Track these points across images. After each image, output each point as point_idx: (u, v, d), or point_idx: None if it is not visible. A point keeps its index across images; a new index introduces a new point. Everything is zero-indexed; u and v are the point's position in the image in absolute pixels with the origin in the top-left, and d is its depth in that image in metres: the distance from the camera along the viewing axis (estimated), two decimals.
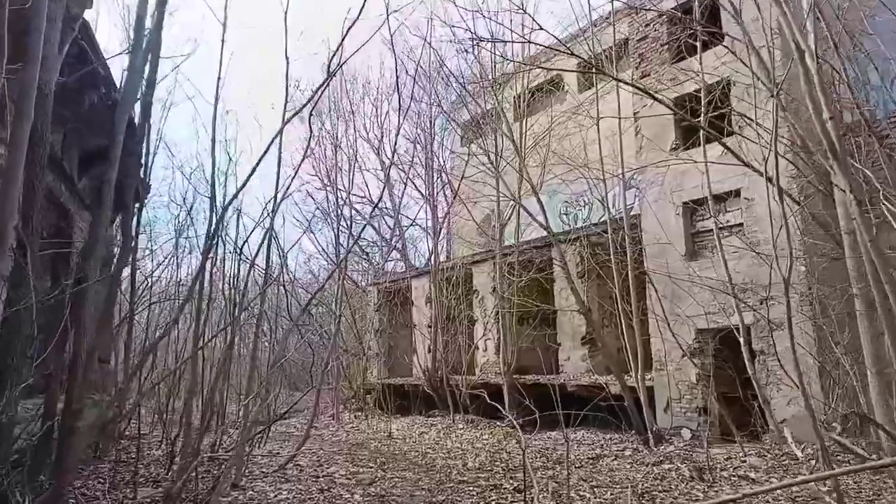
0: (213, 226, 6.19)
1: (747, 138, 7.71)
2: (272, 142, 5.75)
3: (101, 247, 4.93)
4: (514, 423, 7.25)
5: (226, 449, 8.81)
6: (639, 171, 11.92)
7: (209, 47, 8.51)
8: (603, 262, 12.14)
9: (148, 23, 6.10)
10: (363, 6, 5.58)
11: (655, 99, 8.41)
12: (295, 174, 6.65)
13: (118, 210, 5.33)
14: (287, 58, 7.90)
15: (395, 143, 17.46)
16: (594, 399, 10.45)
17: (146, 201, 10.77)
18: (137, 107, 7.09)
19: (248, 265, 7.74)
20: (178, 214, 13.48)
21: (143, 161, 9.89)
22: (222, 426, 9.83)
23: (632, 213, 12.11)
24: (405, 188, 21.59)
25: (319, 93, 6.14)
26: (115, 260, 9.82)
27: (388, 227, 22.78)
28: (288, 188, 6.46)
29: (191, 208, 13.06)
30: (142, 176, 10.13)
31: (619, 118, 10.98)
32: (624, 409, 10.97)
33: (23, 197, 4.47)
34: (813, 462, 7.18)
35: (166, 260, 13.24)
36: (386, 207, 21.91)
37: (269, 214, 6.95)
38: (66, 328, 4.95)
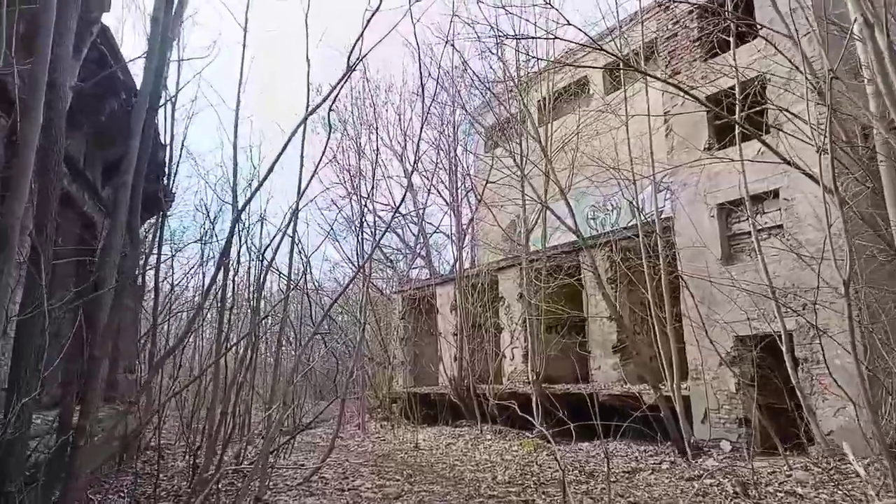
0: (230, 230, 6.01)
1: (789, 133, 7.31)
2: (288, 140, 5.58)
3: (115, 253, 4.76)
4: (547, 434, 6.92)
5: (250, 460, 8.63)
6: (671, 172, 11.52)
7: (230, 52, 8.40)
8: (634, 266, 11.75)
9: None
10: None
11: (689, 96, 8.06)
12: (314, 174, 6.45)
13: (132, 216, 5.17)
14: (308, 61, 7.76)
15: (417, 149, 17.21)
16: (627, 409, 10.06)
17: (169, 210, 10.71)
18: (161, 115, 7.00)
19: (271, 272, 7.57)
20: (204, 223, 13.45)
21: (165, 169, 9.86)
22: (247, 436, 9.67)
23: (664, 216, 11.71)
24: (429, 194, 21.43)
25: (339, 87, 5.95)
26: (137, 268, 9.75)
27: (412, 233, 22.63)
28: (305, 188, 6.24)
29: (215, 217, 13.04)
30: (165, 184, 10.09)
31: (649, 116, 10.61)
32: (659, 419, 10.54)
33: (37, 204, 4.33)
34: (880, 481, 6.64)
35: (192, 269, 13.23)
36: (410, 214, 21.76)
37: (291, 216, 6.76)
38: (83, 337, 4.79)
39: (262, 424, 9.53)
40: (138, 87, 7.40)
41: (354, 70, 5.88)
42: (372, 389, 19.50)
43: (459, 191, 18.81)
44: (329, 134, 6.53)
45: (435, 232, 22.59)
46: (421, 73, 28.29)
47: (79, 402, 4.55)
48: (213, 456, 7.14)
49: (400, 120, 21.43)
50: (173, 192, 10.63)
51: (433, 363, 17.89)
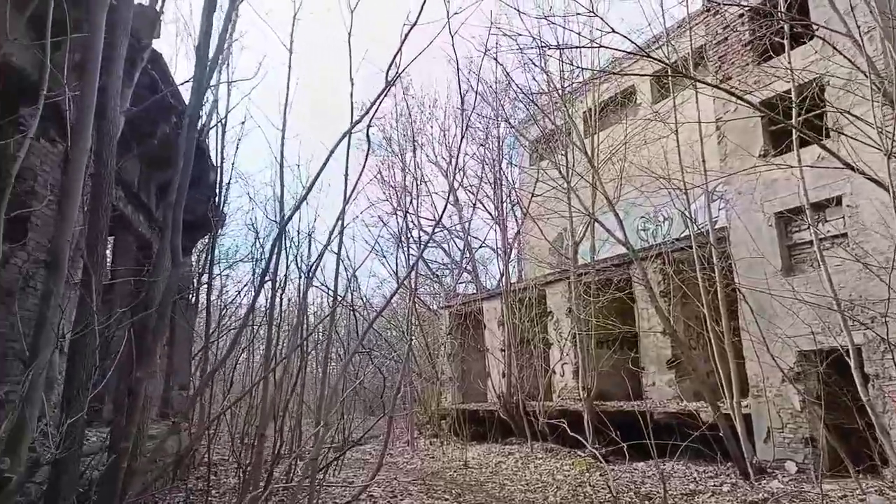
0: (271, 247, 6.08)
1: (852, 137, 6.92)
2: (328, 158, 5.61)
3: (164, 274, 4.86)
4: (597, 454, 6.68)
5: (300, 477, 8.64)
6: (725, 181, 11.12)
7: (276, 73, 8.57)
8: (688, 279, 11.34)
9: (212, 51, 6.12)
10: (421, 9, 5.37)
11: (742, 101, 7.73)
12: (353, 189, 6.45)
13: (174, 237, 5.27)
14: (352, 80, 7.84)
15: (457, 163, 17.16)
16: (683, 427, 9.66)
17: (221, 230, 10.99)
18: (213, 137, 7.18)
19: (317, 288, 7.63)
20: (254, 242, 13.75)
21: (216, 190, 10.12)
22: (296, 452, 9.72)
23: (718, 226, 11.28)
24: (474, 209, 21.38)
25: (377, 104, 5.97)
26: (176, 289, 10.00)
27: (458, 248, 22.60)
28: (347, 200, 6.24)
29: (265, 236, 13.28)
30: (216, 205, 10.36)
31: (700, 123, 10.28)
32: (718, 439, 10.07)
33: (88, 226, 4.46)
34: None
35: (244, 287, 13.51)
36: (455, 228, 21.74)
37: (334, 232, 6.79)
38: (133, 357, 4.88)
39: (312, 441, 9.57)
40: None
41: (393, 86, 5.90)
42: (420, 405, 19.42)
43: (505, 204, 18.69)
44: (368, 151, 6.54)
45: (481, 246, 22.52)
46: (460, 87, 28.50)
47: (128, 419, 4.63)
48: (263, 472, 7.19)
49: (444, 135, 21.53)
50: (224, 212, 10.89)
51: (481, 379, 17.68)
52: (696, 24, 12.01)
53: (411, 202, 20.81)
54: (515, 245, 19.73)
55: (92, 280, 4.24)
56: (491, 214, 20.29)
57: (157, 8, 6.08)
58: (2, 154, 3.50)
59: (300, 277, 9.54)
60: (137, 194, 8.24)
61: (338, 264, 7.57)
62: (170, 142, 7.52)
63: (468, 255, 21.34)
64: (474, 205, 20.96)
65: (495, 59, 12.46)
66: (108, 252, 12.64)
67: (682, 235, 12.50)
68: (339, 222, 7.12)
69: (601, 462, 9.66)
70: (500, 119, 17.73)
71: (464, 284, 22.33)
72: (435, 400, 19.21)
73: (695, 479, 10.07)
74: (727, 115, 10.80)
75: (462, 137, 15.89)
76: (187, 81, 6.33)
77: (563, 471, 11.57)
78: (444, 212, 20.12)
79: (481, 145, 19.31)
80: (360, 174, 6.29)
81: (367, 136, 6.25)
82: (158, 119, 7.26)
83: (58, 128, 4.69)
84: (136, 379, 4.33)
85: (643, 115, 15.10)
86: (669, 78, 12.55)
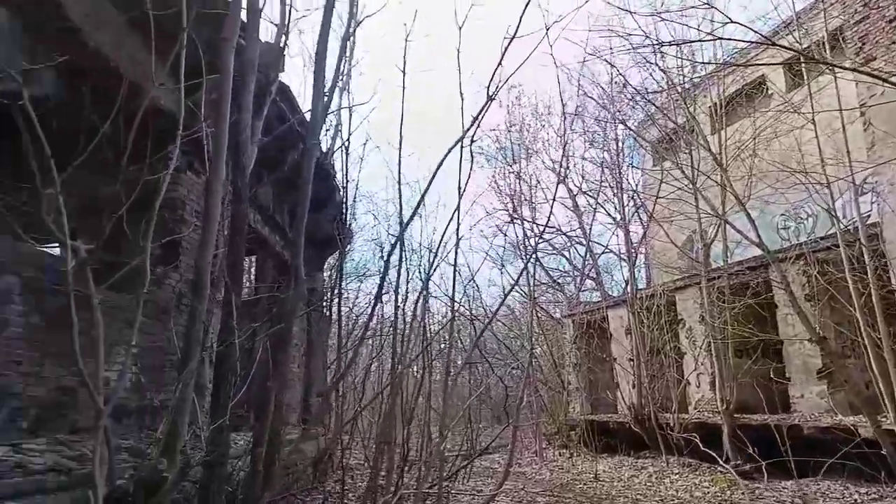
0: (386, 259, 6.37)
1: None
2: (435, 172, 5.79)
3: (300, 289, 5.26)
4: (733, 473, 6.24)
5: (429, 484, 8.86)
6: (874, 171, 10.01)
7: (392, 94, 8.96)
8: (835, 280, 10.31)
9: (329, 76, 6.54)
10: (519, 23, 5.40)
11: (889, 83, 6.96)
12: (459, 201, 6.60)
13: (295, 257, 5.69)
14: (461, 95, 8.04)
15: (566, 161, 16.82)
16: (835, 443, 8.75)
17: (348, 247, 11.63)
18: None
19: (435, 298, 7.85)
20: (380, 256, 14.40)
21: (342, 209, 10.73)
22: (426, 459, 9.98)
23: (868, 222, 10.17)
24: (594, 214, 20.85)
25: (480, 118, 6.07)
26: (321, 301, 10.64)
27: (580, 255, 22.11)
28: (460, 211, 6.40)
29: (390, 250, 13.85)
30: (342, 224, 10.98)
31: (841, 110, 9.35)
32: (881, 456, 9.02)
33: (228, 249, 4.93)
34: None
35: (373, 300, 14.15)
36: (575, 234, 21.31)
37: (453, 244, 6.99)
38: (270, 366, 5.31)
39: (440, 448, 9.79)
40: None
41: (493, 100, 5.97)
42: (549, 415, 19.17)
43: (627, 208, 18.05)
44: (472, 165, 6.65)
45: (603, 252, 21.86)
46: (561, 94, 28.01)
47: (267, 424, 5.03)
48: (393, 477, 7.48)
49: (561, 141, 21.24)
50: (351, 229, 11.50)
51: (610, 390, 17.15)
52: (831, 4, 10.96)
53: (528, 210, 20.72)
54: (641, 250, 18.98)
55: (232, 297, 4.67)
56: (613, 219, 19.69)
57: (281, 44, 6.62)
58: (155, 186, 3.95)
59: (421, 289, 9.89)
60: (273, 216, 8.97)
61: (455, 273, 7.76)
62: (298, 167, 8.11)
63: (590, 262, 20.82)
64: (594, 209, 20.46)
65: (607, 62, 12.11)
66: (250, 270, 13.81)
67: (829, 234, 11.39)
68: (455, 234, 7.31)
69: (741, 479, 9.01)
70: (616, 121, 17.21)
71: (587, 292, 21.80)
72: (562, 410, 18.89)
73: (854, 500, 9.08)
74: (872, 100, 9.74)
75: (564, 144, 15.63)
76: (307, 112, 6.81)
77: (703, 487, 10.90)
78: (548, 218, 19.79)
79: (600, 149, 18.86)
80: (464, 186, 6.43)
81: (471, 151, 6.36)
82: (287, 146, 7.87)
83: (199, 161, 5.25)
84: (269, 388, 4.71)
85: (774, 105, 13.99)
86: (802, 65, 11.55)
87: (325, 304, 11.89)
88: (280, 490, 5.35)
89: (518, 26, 5.52)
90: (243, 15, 5.04)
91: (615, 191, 18.35)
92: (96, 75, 5.54)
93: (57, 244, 6.12)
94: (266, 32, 7.09)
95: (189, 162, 5.93)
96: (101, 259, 4.01)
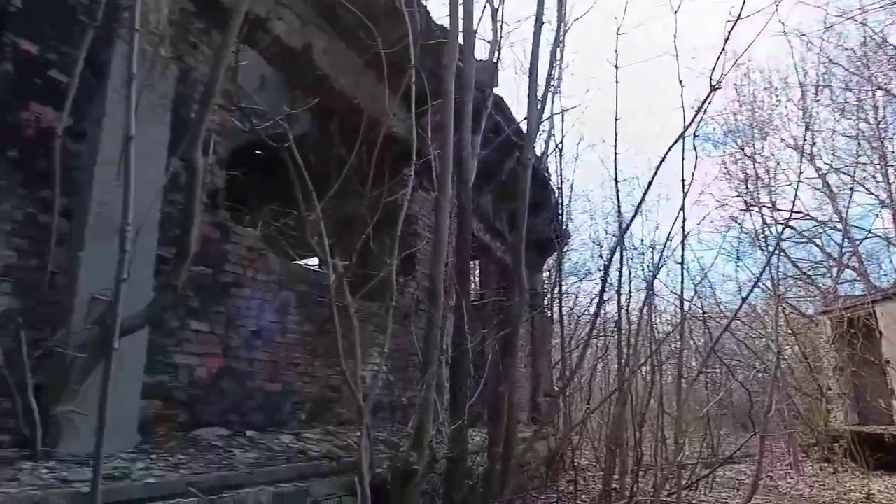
0: (607, 259, 6.26)
1: None
2: (657, 169, 5.52)
3: (523, 297, 5.46)
4: None
5: (668, 491, 8.45)
6: None
7: (604, 91, 8.81)
8: None
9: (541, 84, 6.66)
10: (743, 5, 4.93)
11: None
12: (685, 192, 6.16)
13: (516, 266, 5.86)
14: (681, 82, 7.58)
15: (810, 139, 14.66)
16: None
17: (566, 247, 11.64)
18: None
19: (662, 298, 7.50)
20: (600, 255, 14.15)
21: (558, 211, 10.78)
22: (661, 464, 9.55)
23: None
24: (851, 194, 17.94)
25: (703, 109, 5.65)
26: (542, 302, 10.82)
27: (835, 242, 19.18)
28: (682, 209, 5.99)
29: (609, 251, 13.55)
30: (559, 226, 11.03)
31: None
32: None
33: (456, 257, 5.30)
34: None
35: (596, 305, 13.96)
36: (829, 220, 18.59)
37: (679, 240, 6.64)
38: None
39: (677, 455, 9.27)
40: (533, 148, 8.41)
41: (718, 88, 5.52)
42: (804, 425, 16.99)
43: (894, 185, 15.28)
44: (696, 155, 6.20)
45: (866, 238, 18.67)
46: (796, 65, 24.41)
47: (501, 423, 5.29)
48: (628, 482, 7.31)
49: (804, 115, 18.69)
50: (568, 230, 11.50)
51: (883, 397, 14.65)
52: None
53: (767, 195, 18.58)
54: None
55: (462, 303, 5.02)
56: (877, 197, 16.80)
57: (494, 59, 6.91)
58: (393, 206, 4.43)
59: (646, 289, 9.54)
60: (493, 224, 9.36)
61: (682, 272, 7.35)
62: (516, 175, 8.38)
63: (850, 249, 17.99)
64: (851, 188, 17.63)
65: (857, 21, 10.42)
66: (474, 273, 14.51)
67: None
68: (681, 230, 6.93)
69: None
70: (873, 86, 14.68)
71: (846, 284, 18.86)
72: (822, 419, 16.61)
73: None
74: None
75: (806, 117, 13.57)
76: (523, 121, 7.00)
77: None
78: (795, 199, 17.40)
79: (854, 119, 16.26)
80: (690, 182, 6.03)
81: (693, 144, 5.96)
82: (504, 157, 8.17)
83: (427, 179, 5.73)
84: (501, 392, 4.96)
85: None
86: None
87: (546, 305, 12.04)
88: (517, 489, 5.57)
89: (742, 6, 5.06)
90: (460, 38, 5.39)
91: (878, 165, 15.67)
92: (342, 114, 6.36)
93: (316, 260, 7.14)
94: (480, 50, 7.47)
95: (419, 181, 6.51)
96: (354, 273, 4.59)
